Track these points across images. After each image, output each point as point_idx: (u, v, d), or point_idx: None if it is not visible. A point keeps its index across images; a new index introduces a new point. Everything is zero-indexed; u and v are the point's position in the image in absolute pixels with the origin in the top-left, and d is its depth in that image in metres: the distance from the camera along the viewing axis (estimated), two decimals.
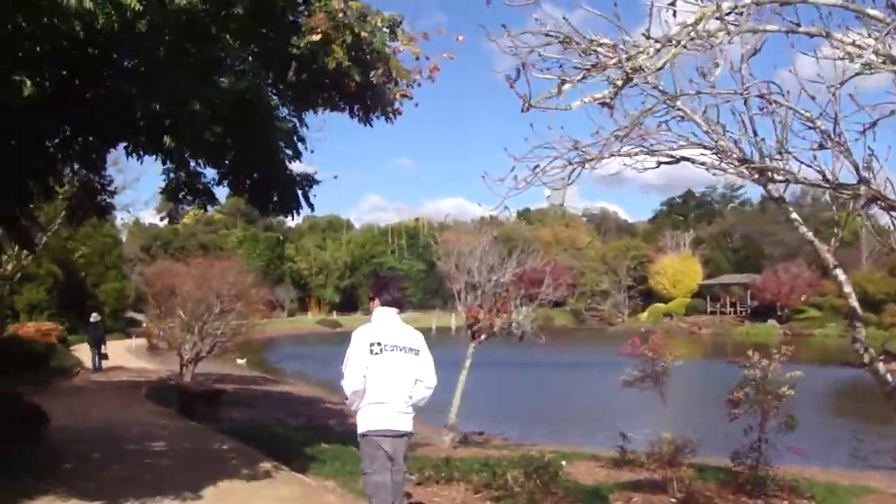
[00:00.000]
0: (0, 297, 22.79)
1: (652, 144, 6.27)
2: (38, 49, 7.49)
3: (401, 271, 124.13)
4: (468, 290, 14.50)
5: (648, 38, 4.29)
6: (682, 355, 13.06)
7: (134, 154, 11.44)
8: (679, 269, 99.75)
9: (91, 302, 53.11)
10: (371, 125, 10.92)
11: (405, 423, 6.50)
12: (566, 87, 4.52)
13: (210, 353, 26.58)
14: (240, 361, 38.11)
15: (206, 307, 25.54)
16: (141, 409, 19.44)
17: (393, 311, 6.70)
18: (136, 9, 6.89)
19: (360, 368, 6.35)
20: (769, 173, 5.47)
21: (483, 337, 14.42)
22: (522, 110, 4.65)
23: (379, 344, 6.42)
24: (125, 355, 37.93)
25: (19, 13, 6.90)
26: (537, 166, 6.49)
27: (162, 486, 9.82)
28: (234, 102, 9.69)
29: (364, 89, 10.01)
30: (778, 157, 5.27)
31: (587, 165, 6.32)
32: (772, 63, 5.05)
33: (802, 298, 78.98)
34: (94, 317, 33.89)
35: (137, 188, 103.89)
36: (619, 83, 4.47)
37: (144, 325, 38.93)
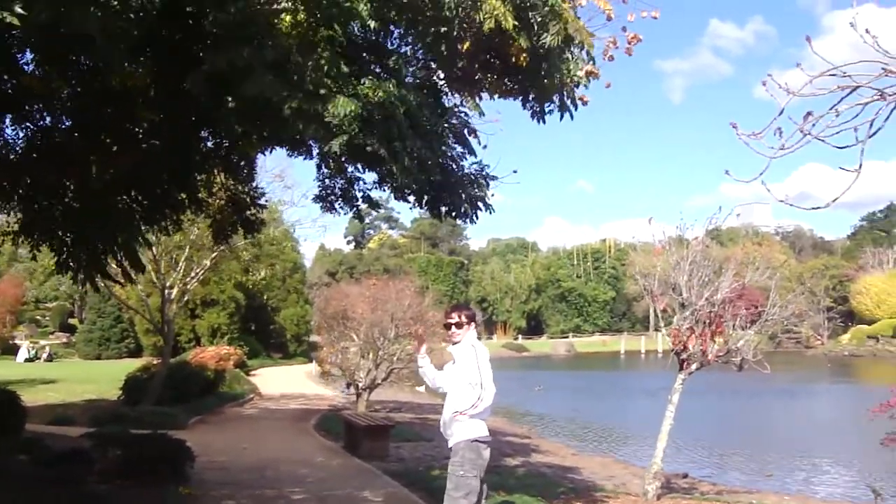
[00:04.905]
0: (168, 319, 21.89)
1: None
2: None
3: (588, 297, 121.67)
4: (677, 310, 12.07)
5: None
6: None
7: (289, 151, 10.02)
8: (883, 288, 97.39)
9: (274, 326, 53.52)
10: (544, 120, 9.07)
11: None
12: None
13: (385, 380, 25.27)
14: (419, 389, 36.70)
15: (380, 331, 24.27)
16: (305, 442, 18.15)
17: None
18: None
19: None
20: None
21: (694, 367, 11.96)
22: None
23: (489, 360, 7.01)
24: (304, 381, 37.22)
25: None
26: (810, 113, 4.19)
27: None
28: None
29: (537, 63, 7.96)
30: None
31: None
32: None
33: None
34: None
35: (309, 206, 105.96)
36: None
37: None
